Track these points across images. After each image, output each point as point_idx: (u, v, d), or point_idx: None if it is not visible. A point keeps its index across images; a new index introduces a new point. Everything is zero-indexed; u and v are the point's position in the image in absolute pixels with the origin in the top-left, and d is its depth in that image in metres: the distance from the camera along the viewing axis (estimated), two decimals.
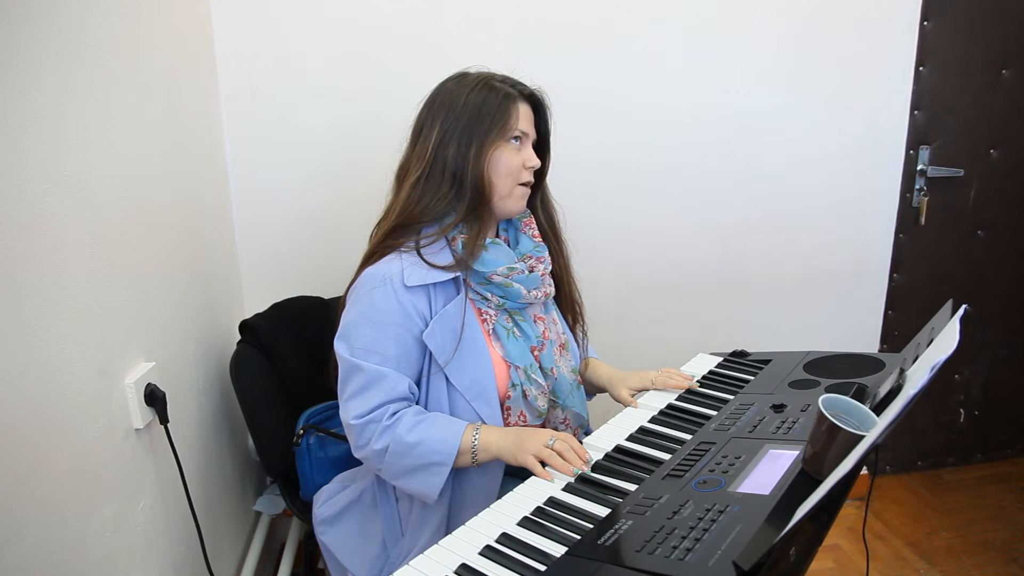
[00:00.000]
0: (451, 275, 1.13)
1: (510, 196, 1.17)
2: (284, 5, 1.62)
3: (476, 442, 1.07)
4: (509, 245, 1.24)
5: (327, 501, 1.29)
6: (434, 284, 1.13)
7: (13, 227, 0.79)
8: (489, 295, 1.17)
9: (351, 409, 1.10)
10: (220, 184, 1.64)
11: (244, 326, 1.49)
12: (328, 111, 1.69)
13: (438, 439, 1.06)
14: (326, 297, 1.66)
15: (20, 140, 0.81)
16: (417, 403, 1.14)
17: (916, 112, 2.02)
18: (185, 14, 1.44)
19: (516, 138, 1.16)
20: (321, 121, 1.69)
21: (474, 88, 1.15)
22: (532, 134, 1.20)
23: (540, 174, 1.25)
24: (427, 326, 1.12)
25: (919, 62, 1.97)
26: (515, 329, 1.19)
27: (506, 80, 1.18)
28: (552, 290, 1.26)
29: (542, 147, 1.24)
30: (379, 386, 1.09)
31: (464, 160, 1.13)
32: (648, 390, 1.27)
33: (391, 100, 1.67)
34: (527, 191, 1.21)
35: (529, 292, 1.18)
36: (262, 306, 1.56)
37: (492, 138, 1.13)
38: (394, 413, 1.08)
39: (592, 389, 1.39)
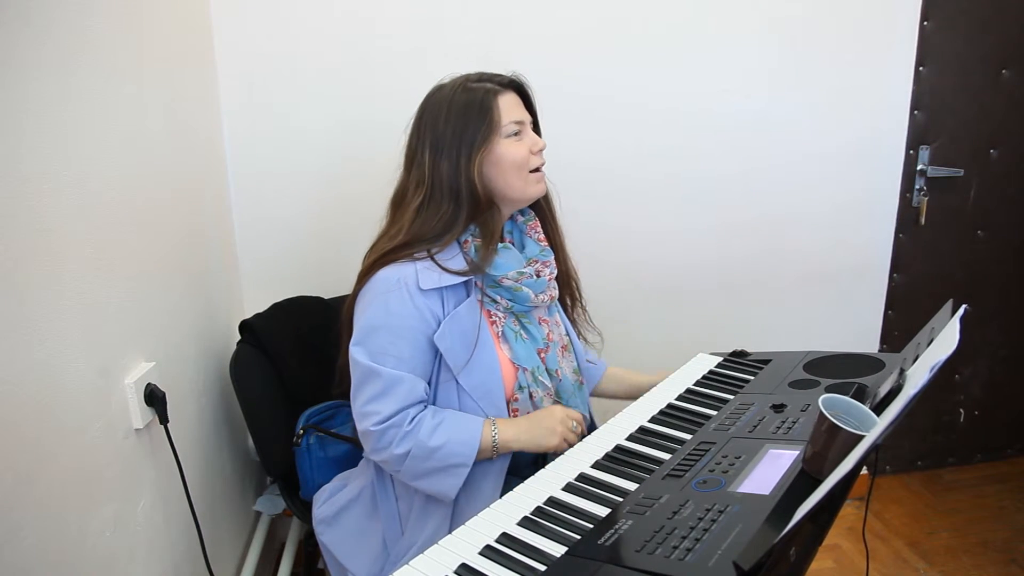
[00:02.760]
0: (463, 278, 1.14)
1: (526, 185, 1.17)
2: (284, 5, 1.62)
3: (496, 440, 1.11)
4: (515, 248, 1.24)
5: (326, 501, 1.29)
6: (446, 287, 1.13)
7: (13, 227, 0.79)
8: (498, 298, 1.18)
9: (369, 416, 1.09)
10: (220, 184, 1.64)
11: (244, 326, 1.49)
12: (328, 111, 1.69)
13: (459, 441, 1.08)
14: (326, 297, 1.66)
15: (19, 140, 0.81)
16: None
17: (916, 112, 2.02)
18: (184, 14, 1.44)
19: (515, 133, 1.16)
20: (321, 121, 1.69)
21: (452, 98, 1.14)
22: (528, 119, 1.19)
23: None
24: (439, 328, 1.12)
25: (919, 62, 1.97)
26: (522, 332, 1.20)
27: (482, 78, 1.17)
28: (556, 293, 1.27)
29: (536, 128, 1.24)
30: (396, 391, 1.09)
31: (458, 172, 1.13)
32: None
33: (391, 100, 1.66)
34: (541, 175, 1.21)
35: (536, 296, 1.19)
36: (262, 306, 1.56)
37: (480, 141, 1.13)
38: (413, 418, 1.09)
39: (623, 393, 1.41)
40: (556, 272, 1.26)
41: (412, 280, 1.11)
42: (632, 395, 1.37)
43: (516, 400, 1.17)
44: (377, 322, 1.11)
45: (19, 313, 0.80)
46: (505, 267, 1.16)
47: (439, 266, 1.13)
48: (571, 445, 1.11)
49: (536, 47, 1.74)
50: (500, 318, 1.18)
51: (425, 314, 1.11)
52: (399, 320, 1.10)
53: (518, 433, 1.12)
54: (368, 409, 1.10)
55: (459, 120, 1.13)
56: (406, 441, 1.08)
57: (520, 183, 1.17)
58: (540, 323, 1.24)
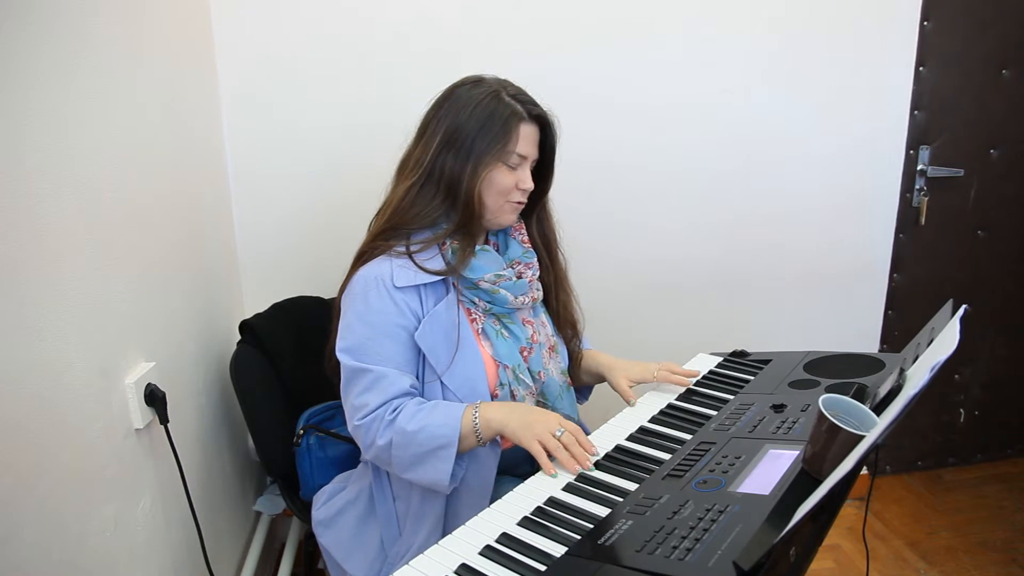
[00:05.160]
0: (438, 277, 1.14)
1: (500, 211, 1.18)
2: (284, 5, 1.62)
3: (476, 420, 1.07)
4: (498, 250, 1.24)
5: (325, 503, 1.29)
6: (424, 284, 1.14)
7: (13, 227, 0.79)
8: (476, 299, 1.18)
9: (358, 410, 1.10)
10: (220, 184, 1.64)
11: (244, 326, 1.49)
12: (328, 110, 1.69)
13: (439, 423, 1.06)
14: (326, 297, 1.66)
15: (20, 140, 0.81)
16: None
17: (916, 112, 2.02)
18: (184, 14, 1.44)
19: (514, 165, 1.16)
20: (321, 120, 1.69)
21: (483, 99, 1.14)
22: (533, 155, 1.19)
23: (540, 192, 1.25)
24: (420, 324, 1.13)
25: (919, 62, 1.97)
26: (503, 330, 1.20)
27: (518, 96, 1.17)
28: (540, 295, 1.27)
29: (546, 167, 1.24)
30: (380, 386, 1.09)
31: (461, 174, 1.13)
32: (647, 382, 1.28)
33: (391, 100, 1.67)
34: (518, 207, 1.21)
35: (516, 298, 1.19)
36: (262, 306, 1.56)
37: (489, 158, 1.13)
38: (396, 408, 1.09)
39: (591, 379, 1.39)
40: (539, 273, 1.26)
41: (388, 277, 1.12)
42: (599, 379, 1.37)
43: (496, 397, 1.17)
44: (358, 320, 1.12)
45: (19, 313, 0.80)
46: (482, 270, 1.16)
47: (416, 265, 1.13)
48: (548, 453, 1.03)
49: (537, 47, 1.74)
50: (480, 316, 1.19)
51: (403, 308, 1.12)
52: (378, 317, 1.11)
53: (502, 413, 1.07)
54: (357, 403, 1.10)
55: (479, 125, 1.13)
56: (388, 431, 1.07)
57: (496, 207, 1.18)
58: (524, 324, 1.23)
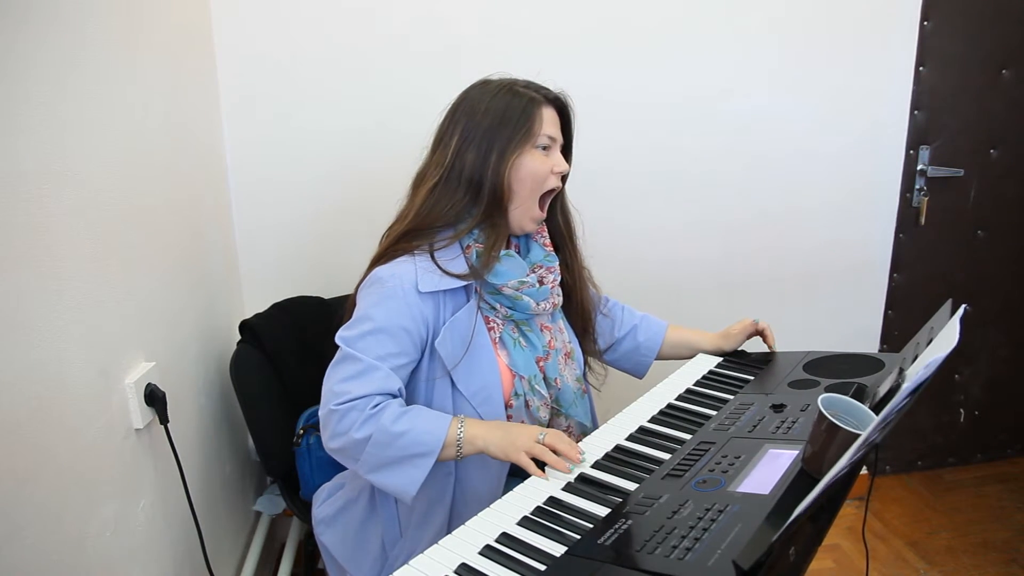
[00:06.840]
0: (463, 283, 1.12)
1: (529, 209, 1.16)
2: (284, 5, 1.62)
3: (461, 435, 1.04)
4: (520, 252, 1.23)
5: (325, 500, 1.28)
6: (444, 291, 1.12)
7: (13, 227, 0.79)
8: (497, 305, 1.16)
9: (339, 395, 1.05)
10: (220, 184, 1.64)
11: (244, 326, 1.49)
12: (328, 112, 1.69)
13: (424, 430, 1.03)
14: (326, 297, 1.66)
15: (19, 140, 0.81)
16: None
17: (916, 112, 2.02)
18: (184, 14, 1.44)
19: (544, 146, 1.15)
20: (321, 122, 1.69)
21: (496, 94, 1.13)
22: (560, 139, 1.18)
23: (563, 177, 1.23)
24: (430, 332, 1.11)
25: (919, 62, 1.97)
26: (521, 339, 1.19)
27: (529, 85, 1.17)
28: (560, 300, 1.25)
29: (567, 151, 1.23)
30: (369, 377, 1.06)
31: (484, 165, 1.11)
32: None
33: (391, 101, 1.68)
34: (542, 213, 1.19)
35: (538, 304, 1.17)
36: (262, 306, 1.56)
37: (515, 144, 1.11)
38: (377, 404, 1.05)
39: (685, 351, 1.44)
40: (560, 278, 1.24)
41: (409, 280, 1.10)
42: (692, 355, 1.42)
43: (511, 407, 1.16)
44: (365, 311, 1.10)
45: (18, 313, 0.80)
46: (506, 275, 1.15)
47: (439, 267, 1.11)
48: (541, 462, 1.02)
49: (537, 48, 1.74)
50: (499, 324, 1.17)
51: (415, 312, 1.09)
52: (388, 316, 1.09)
53: (486, 432, 1.04)
54: (340, 388, 1.06)
55: (497, 117, 1.12)
56: (367, 425, 1.02)
57: (529, 198, 1.15)
58: (542, 330, 1.22)
